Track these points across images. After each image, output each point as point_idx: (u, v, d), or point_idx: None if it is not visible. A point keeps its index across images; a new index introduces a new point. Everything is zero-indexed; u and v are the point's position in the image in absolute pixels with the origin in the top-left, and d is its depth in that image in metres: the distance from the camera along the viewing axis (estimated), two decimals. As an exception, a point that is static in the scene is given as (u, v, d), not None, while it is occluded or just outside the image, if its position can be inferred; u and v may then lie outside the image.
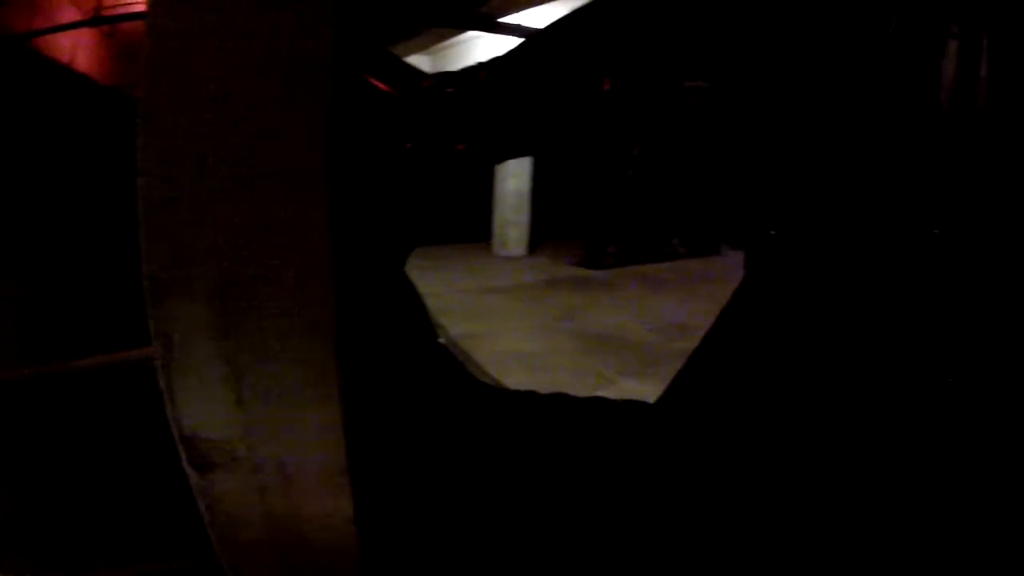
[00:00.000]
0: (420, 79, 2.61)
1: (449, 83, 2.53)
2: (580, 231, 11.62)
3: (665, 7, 2.26)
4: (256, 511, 1.67)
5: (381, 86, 2.51)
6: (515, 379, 5.71)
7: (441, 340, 3.04)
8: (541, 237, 11.51)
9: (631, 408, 2.76)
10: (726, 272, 12.19)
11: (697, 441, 2.35)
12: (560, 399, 2.83)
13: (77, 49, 7.22)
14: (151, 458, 1.88)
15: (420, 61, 11.16)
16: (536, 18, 6.86)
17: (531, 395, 2.87)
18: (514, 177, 10.27)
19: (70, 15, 7.16)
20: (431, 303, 2.82)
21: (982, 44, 1.73)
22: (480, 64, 2.53)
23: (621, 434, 2.63)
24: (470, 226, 10.75)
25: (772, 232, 2.13)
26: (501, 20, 6.78)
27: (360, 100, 2.33)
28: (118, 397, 2.48)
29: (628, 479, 2.39)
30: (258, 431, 1.55)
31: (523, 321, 7.65)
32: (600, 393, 5.66)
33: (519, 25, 6.89)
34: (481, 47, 8.20)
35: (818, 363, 2.03)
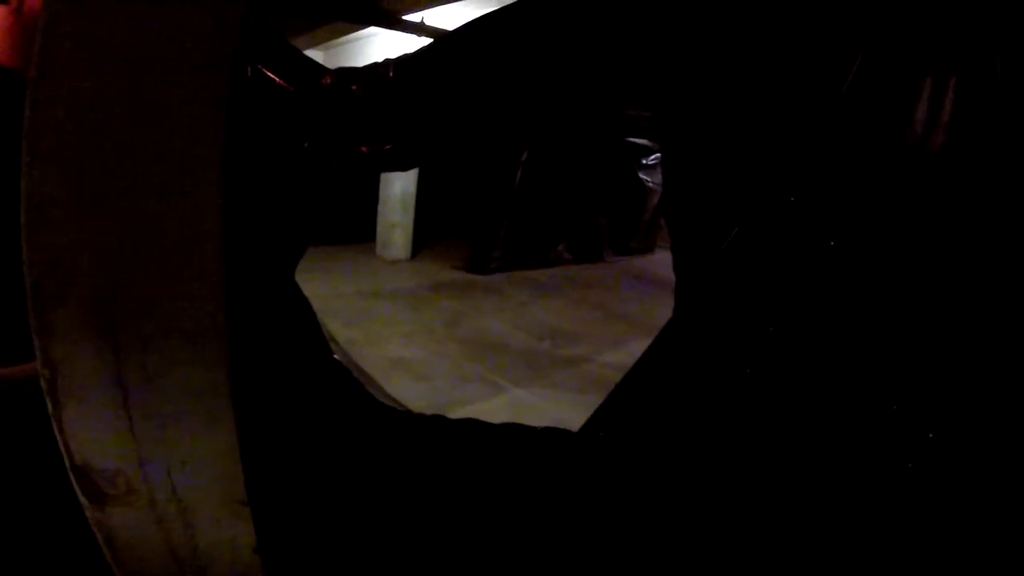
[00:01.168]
0: (319, 74, 2.42)
1: (352, 80, 2.37)
2: (465, 234, 11.51)
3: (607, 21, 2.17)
4: (156, 544, 1.61)
5: (277, 80, 2.33)
6: (399, 387, 5.52)
7: (336, 357, 2.85)
8: (425, 239, 11.33)
9: (551, 436, 2.64)
10: (611, 279, 12.37)
11: (621, 471, 2.25)
12: (471, 425, 2.71)
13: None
14: (44, 487, 1.72)
15: (313, 57, 10.73)
16: (438, 17, 6.63)
17: (439, 420, 2.74)
18: (400, 178, 10.02)
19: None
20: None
21: (949, 86, 1.69)
22: (388, 61, 2.38)
23: (538, 463, 2.51)
24: (353, 226, 10.45)
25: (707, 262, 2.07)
26: (404, 18, 6.52)
27: (254, 95, 2.16)
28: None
29: (548, 509, 2.29)
30: (152, 459, 1.49)
31: (407, 326, 7.44)
32: (490, 401, 5.56)
33: (422, 23, 6.68)
34: (377, 45, 7.87)
35: (753, 395, 1.96)
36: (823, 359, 1.83)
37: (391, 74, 2.34)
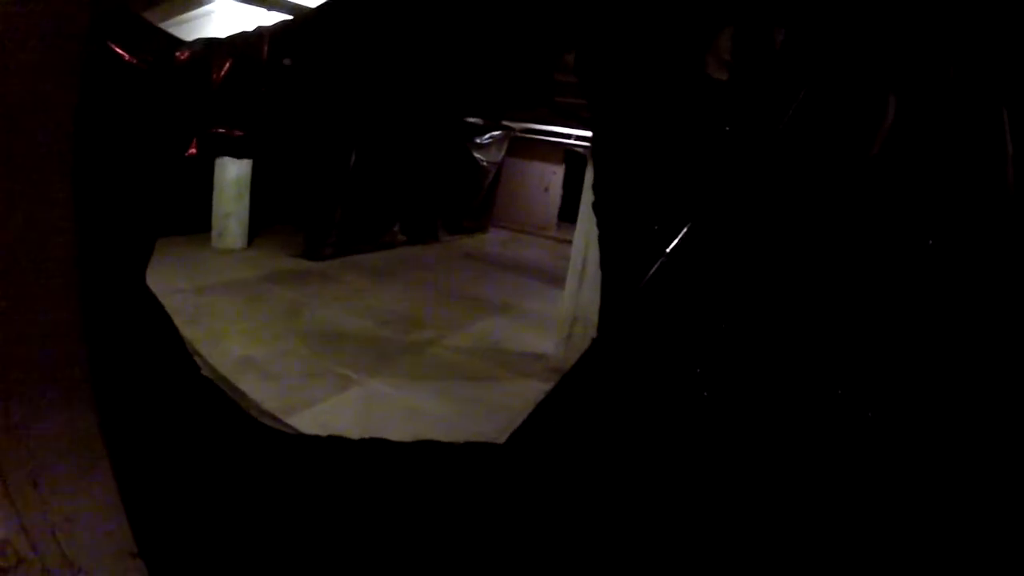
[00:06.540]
0: (174, 48, 2.23)
1: (215, 54, 2.21)
2: (300, 220, 11.27)
3: None
4: (58, 613, 1.52)
5: (127, 57, 2.11)
6: (248, 388, 5.42)
7: (205, 373, 2.72)
8: (260, 227, 10.98)
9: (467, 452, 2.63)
10: (446, 259, 12.52)
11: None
12: (374, 444, 2.64)
13: None
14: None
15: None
16: None
17: (339, 441, 2.65)
18: (235, 165, 9.58)
19: None
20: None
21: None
22: (261, 32, 2.23)
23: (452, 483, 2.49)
24: (186, 216, 9.94)
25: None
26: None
27: (103, 74, 1.94)
28: None
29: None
30: (34, 522, 1.37)
31: (247, 322, 7.28)
32: (342, 395, 5.59)
33: None
34: (215, 22, 7.34)
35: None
36: (774, 358, 1.97)
37: (266, 48, 2.21)
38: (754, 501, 2.01)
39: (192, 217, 10.08)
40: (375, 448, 2.68)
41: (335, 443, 2.68)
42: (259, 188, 10.40)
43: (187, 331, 6.57)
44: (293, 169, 11.26)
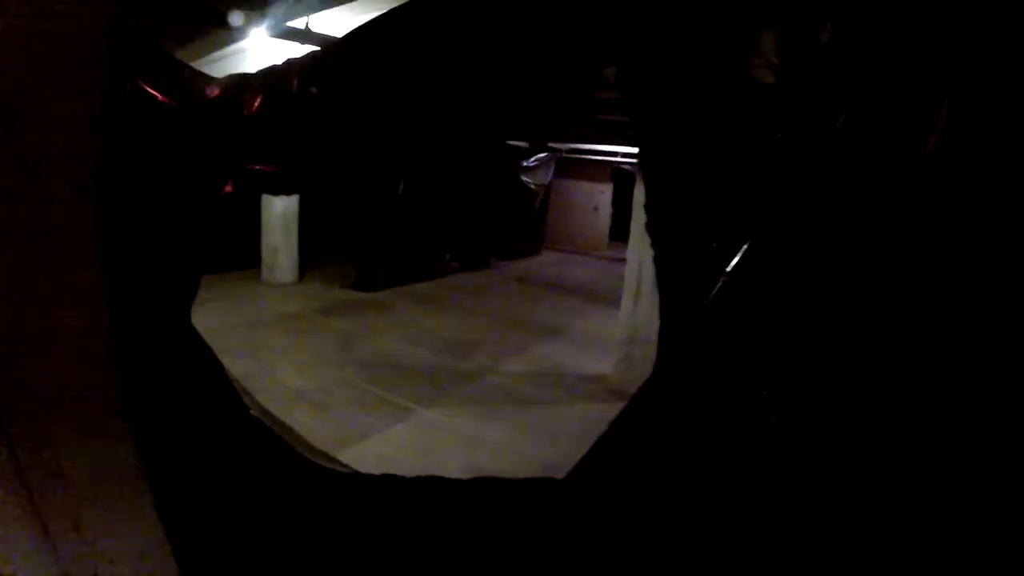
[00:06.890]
0: (205, 86, 2.21)
1: (246, 90, 2.18)
2: (350, 251, 11.30)
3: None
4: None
5: (159, 96, 2.09)
6: (302, 421, 5.36)
7: (253, 412, 2.63)
8: (312, 259, 11.05)
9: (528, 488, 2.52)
10: (499, 284, 12.43)
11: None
12: (429, 483, 2.55)
13: None
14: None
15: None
16: (323, 24, 6.27)
17: (392, 479, 2.56)
18: (281, 199, 9.68)
19: None
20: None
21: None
22: (290, 66, 2.21)
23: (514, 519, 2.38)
24: (236, 252, 10.06)
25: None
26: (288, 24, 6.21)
27: (132, 112, 1.92)
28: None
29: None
30: (78, 565, 1.29)
31: (300, 353, 7.24)
32: (399, 426, 5.49)
33: (307, 29, 6.38)
34: (251, 58, 7.46)
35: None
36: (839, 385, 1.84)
37: (295, 82, 2.17)
38: (827, 534, 1.86)
39: (242, 253, 10.17)
40: (430, 486, 2.56)
41: (389, 482, 2.56)
42: (308, 222, 10.45)
43: (241, 365, 6.63)
44: (341, 201, 11.31)
